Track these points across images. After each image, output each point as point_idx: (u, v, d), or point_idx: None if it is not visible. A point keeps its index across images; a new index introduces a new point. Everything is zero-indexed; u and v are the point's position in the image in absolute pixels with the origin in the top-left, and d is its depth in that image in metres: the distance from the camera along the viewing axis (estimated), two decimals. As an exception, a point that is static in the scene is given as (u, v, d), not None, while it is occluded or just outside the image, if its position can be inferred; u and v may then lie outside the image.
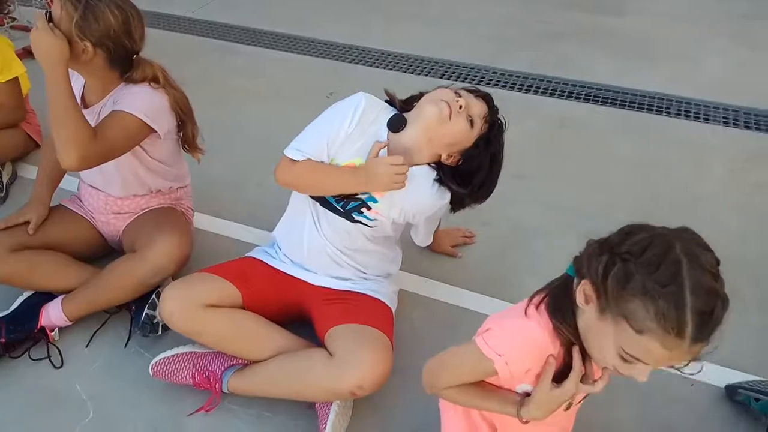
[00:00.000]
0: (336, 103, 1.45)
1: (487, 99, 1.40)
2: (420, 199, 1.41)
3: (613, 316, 0.85)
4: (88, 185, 1.73)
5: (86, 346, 1.59)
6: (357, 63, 3.05)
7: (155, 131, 1.52)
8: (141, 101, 1.48)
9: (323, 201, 1.43)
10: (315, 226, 1.46)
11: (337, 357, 1.29)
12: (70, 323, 1.59)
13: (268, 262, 1.54)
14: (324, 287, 1.49)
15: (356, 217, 1.41)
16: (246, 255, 1.61)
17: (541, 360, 0.98)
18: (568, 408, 1.05)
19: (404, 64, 3.02)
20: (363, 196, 1.39)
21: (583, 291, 0.89)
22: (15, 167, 2.24)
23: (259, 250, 1.61)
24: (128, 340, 1.60)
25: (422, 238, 1.66)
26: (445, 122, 1.33)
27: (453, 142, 1.36)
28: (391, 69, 2.99)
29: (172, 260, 1.53)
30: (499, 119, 1.41)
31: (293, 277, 1.50)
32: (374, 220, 1.42)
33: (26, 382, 1.51)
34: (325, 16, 3.55)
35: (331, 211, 1.43)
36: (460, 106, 1.34)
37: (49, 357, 1.55)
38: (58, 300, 1.59)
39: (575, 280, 0.94)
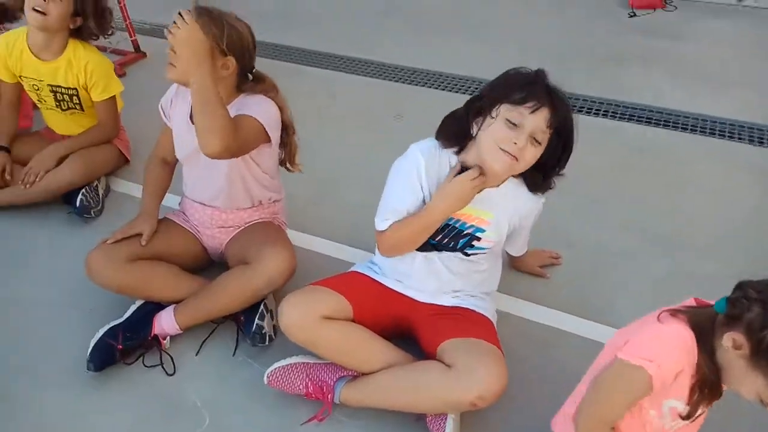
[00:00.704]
0: (397, 163, 1.48)
1: (550, 103, 1.30)
2: (521, 209, 1.47)
3: (764, 371, 0.91)
4: (192, 201, 1.81)
5: (196, 354, 1.66)
6: (420, 85, 3.13)
7: (270, 140, 1.60)
8: (263, 110, 1.58)
9: (431, 247, 1.48)
10: (426, 263, 1.50)
11: (457, 369, 1.32)
12: (181, 332, 1.66)
13: (374, 277, 1.59)
14: (431, 303, 1.54)
15: (470, 252, 1.47)
16: (351, 270, 1.66)
17: (690, 361, 1.01)
18: (689, 418, 1.08)
19: (467, 86, 3.09)
20: (469, 230, 1.44)
21: (732, 338, 0.95)
22: (108, 181, 2.34)
23: (362, 265, 1.67)
24: (236, 349, 1.66)
25: (520, 246, 1.70)
26: (513, 167, 1.34)
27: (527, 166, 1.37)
28: (454, 90, 3.06)
29: (283, 273, 1.60)
30: (565, 113, 1.33)
31: (399, 293, 1.55)
32: (487, 248, 1.47)
33: (141, 389, 1.58)
34: (384, 38, 3.64)
35: (443, 251, 1.48)
36: (522, 142, 1.30)
37: (162, 364, 1.62)
38: (170, 309, 1.66)
39: (722, 318, 0.99)
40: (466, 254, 1.47)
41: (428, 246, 1.47)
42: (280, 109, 1.66)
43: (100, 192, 2.25)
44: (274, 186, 1.82)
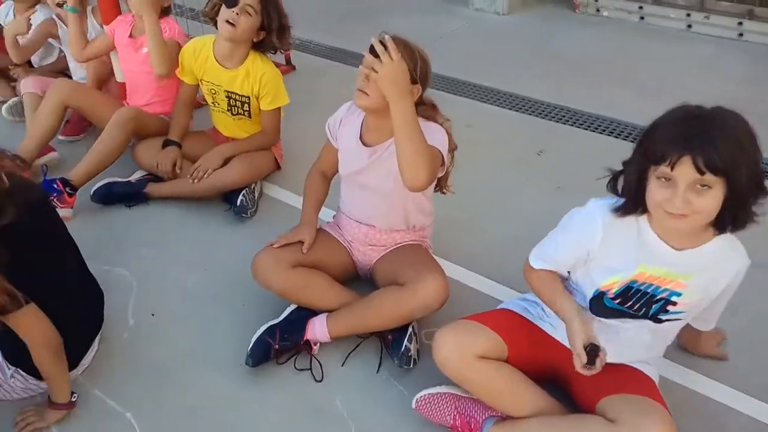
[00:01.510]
0: (573, 214, 1.42)
1: (700, 152, 1.12)
2: (725, 272, 1.34)
3: None
4: (348, 217, 1.88)
5: (342, 365, 1.71)
6: (562, 122, 3.07)
7: (442, 167, 1.65)
8: (442, 140, 1.62)
9: (615, 313, 1.39)
10: (603, 327, 1.41)
11: (623, 424, 1.27)
12: (329, 341, 1.72)
13: (528, 318, 1.56)
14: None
15: (663, 318, 1.37)
16: (502, 307, 1.65)
17: None
18: None
19: (613, 129, 3.00)
20: (664, 294, 1.34)
21: None
22: (261, 185, 2.49)
23: (514, 302, 1.64)
24: (379, 366, 1.70)
25: (710, 318, 1.56)
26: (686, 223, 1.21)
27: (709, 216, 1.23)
28: (598, 131, 2.97)
29: (439, 299, 1.62)
30: (720, 149, 1.11)
31: (556, 340, 1.51)
32: (681, 312, 1.37)
33: (291, 389, 1.65)
34: (525, 72, 3.62)
35: (631, 318, 1.40)
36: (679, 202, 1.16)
37: (311, 369, 1.69)
38: (322, 317, 1.73)
39: None
40: (659, 320, 1.38)
41: (608, 311, 1.39)
42: (448, 135, 1.70)
43: (256, 194, 2.40)
44: (429, 210, 1.86)
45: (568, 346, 1.39)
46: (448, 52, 3.77)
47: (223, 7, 2.13)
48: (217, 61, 2.29)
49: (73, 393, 1.55)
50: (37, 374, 1.50)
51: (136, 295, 1.96)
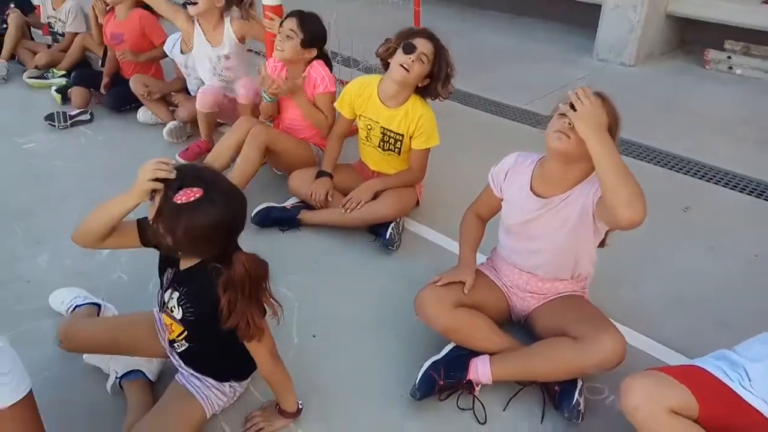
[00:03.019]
0: None
1: None
2: None
3: None
4: (507, 263, 1.89)
5: (503, 410, 1.71)
6: (705, 179, 2.97)
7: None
8: None
9: None
10: None
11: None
12: (490, 384, 1.72)
13: (725, 381, 1.46)
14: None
15: None
16: (694, 364, 1.54)
17: None
18: None
19: (762, 191, 2.86)
20: None
21: None
22: (403, 219, 2.56)
23: (708, 361, 1.53)
24: (542, 417, 1.68)
25: None
26: None
27: None
28: (745, 192, 2.85)
29: (618, 358, 1.58)
30: None
31: (756, 409, 1.43)
32: None
33: (454, 428, 1.66)
34: (660, 126, 3.55)
35: None
36: None
37: (473, 410, 1.69)
38: (485, 359, 1.73)
39: None
40: None
41: None
42: None
43: (401, 228, 2.46)
44: (595, 260, 1.84)
45: None
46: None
47: (400, 51, 2.25)
48: (379, 99, 2.41)
49: (299, 402, 1.63)
50: (244, 377, 1.63)
51: (298, 315, 2.05)
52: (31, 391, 1.21)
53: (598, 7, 4.54)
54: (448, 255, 2.32)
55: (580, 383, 1.65)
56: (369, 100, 2.45)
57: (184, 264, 1.47)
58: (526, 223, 1.80)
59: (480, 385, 1.73)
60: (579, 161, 1.62)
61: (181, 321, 1.49)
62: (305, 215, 2.52)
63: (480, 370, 1.71)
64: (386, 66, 2.36)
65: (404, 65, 2.24)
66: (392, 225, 2.39)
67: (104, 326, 1.76)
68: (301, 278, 2.24)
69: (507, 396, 1.74)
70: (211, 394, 1.58)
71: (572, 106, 1.53)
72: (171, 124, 3.25)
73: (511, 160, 1.86)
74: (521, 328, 1.92)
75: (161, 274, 1.55)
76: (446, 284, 1.81)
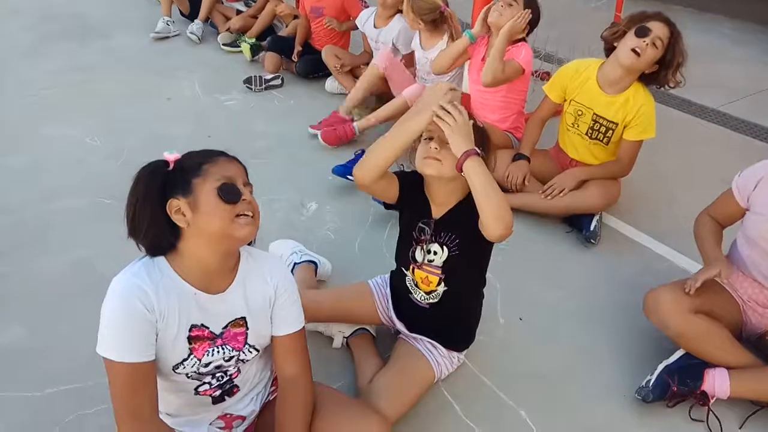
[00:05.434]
0: None
1: None
2: None
3: None
4: (746, 276, 1.74)
5: (740, 428, 1.59)
6: None
7: None
8: None
9: None
10: None
11: None
12: (725, 398, 1.60)
13: None
14: None
15: None
16: None
17: None
18: None
19: None
20: None
21: None
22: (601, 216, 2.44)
23: None
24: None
25: None
26: None
27: None
28: None
29: None
30: None
31: None
32: None
33: (682, 434, 1.57)
34: None
35: None
36: None
37: (707, 422, 1.59)
38: (724, 372, 1.61)
39: None
40: None
41: None
42: None
43: (602, 221, 2.36)
44: None
45: None
46: None
47: (631, 34, 2.13)
48: (598, 84, 2.30)
49: None
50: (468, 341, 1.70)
51: (501, 296, 2.03)
52: None
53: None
54: (657, 259, 2.20)
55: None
56: (585, 85, 2.34)
57: (438, 212, 1.52)
58: None
59: (714, 398, 1.61)
60: None
61: (444, 264, 1.52)
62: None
63: (717, 382, 1.60)
64: (609, 51, 2.24)
65: (636, 49, 2.11)
66: (596, 218, 2.29)
67: (325, 298, 1.79)
68: (501, 260, 2.21)
69: (740, 413, 1.62)
70: (442, 360, 1.61)
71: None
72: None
73: (764, 168, 1.68)
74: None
75: (408, 232, 1.58)
76: (701, 283, 1.62)
